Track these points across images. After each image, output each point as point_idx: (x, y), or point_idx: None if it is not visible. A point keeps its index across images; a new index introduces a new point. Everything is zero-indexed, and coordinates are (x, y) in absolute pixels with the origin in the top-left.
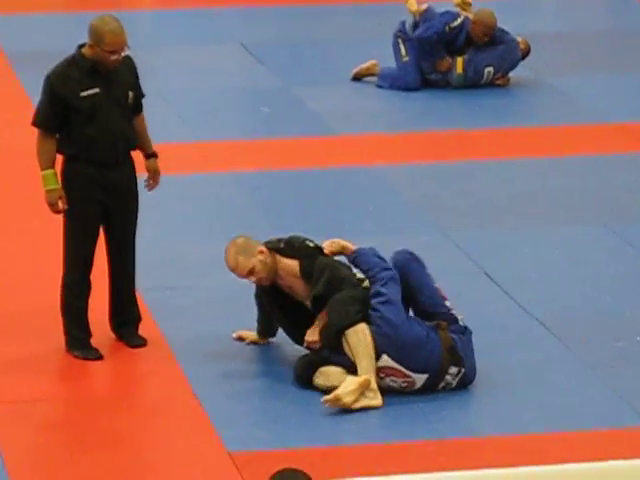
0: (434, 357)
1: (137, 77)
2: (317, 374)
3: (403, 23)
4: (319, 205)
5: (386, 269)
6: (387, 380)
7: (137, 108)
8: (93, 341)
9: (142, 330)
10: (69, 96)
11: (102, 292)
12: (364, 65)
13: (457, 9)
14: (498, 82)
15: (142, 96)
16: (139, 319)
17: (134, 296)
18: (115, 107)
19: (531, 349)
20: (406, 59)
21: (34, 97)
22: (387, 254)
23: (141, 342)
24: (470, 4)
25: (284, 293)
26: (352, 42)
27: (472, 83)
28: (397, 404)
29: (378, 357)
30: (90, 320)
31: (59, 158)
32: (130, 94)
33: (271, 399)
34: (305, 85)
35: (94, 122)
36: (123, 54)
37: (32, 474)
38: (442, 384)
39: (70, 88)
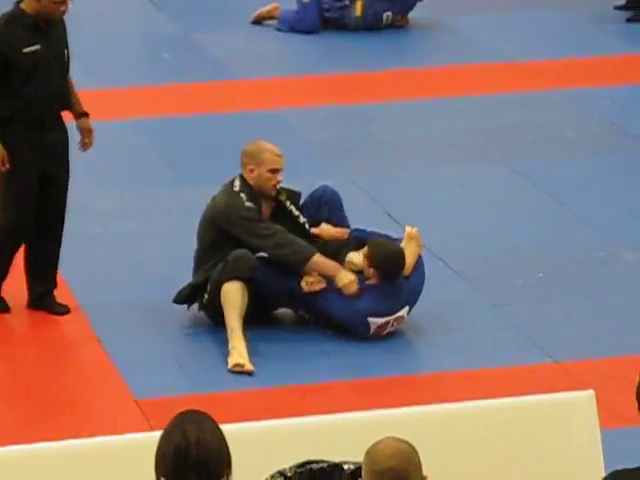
0: None
1: (67, 35)
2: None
3: None
4: (221, 150)
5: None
6: (391, 328)
7: (69, 67)
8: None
9: None
10: (12, 53)
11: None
12: (265, 8)
13: None
14: (397, 23)
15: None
16: (56, 286)
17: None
18: (55, 64)
19: (436, 290)
20: (306, 0)
21: None
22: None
23: (65, 309)
24: None
25: None
26: None
27: (371, 26)
28: (303, 347)
29: (401, 308)
30: None
31: None
32: (66, 52)
33: (177, 345)
34: (205, 30)
35: (33, 81)
36: (69, 4)
37: None
38: None
39: (13, 45)
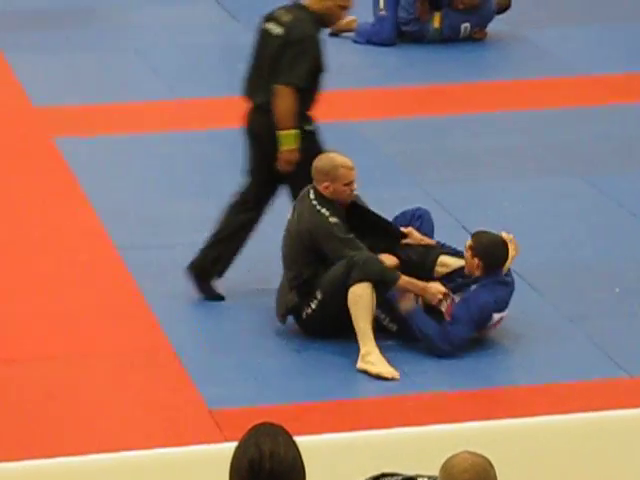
0: None
1: None
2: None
3: None
4: None
5: None
6: (495, 327)
7: None
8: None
9: (120, 289)
10: (322, 55)
11: None
12: (343, 20)
13: None
14: (475, 36)
15: None
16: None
17: None
18: None
19: (511, 302)
20: (383, 12)
21: None
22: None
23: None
24: None
25: None
26: None
27: (448, 38)
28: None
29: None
30: None
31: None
32: None
33: (251, 355)
34: None
35: (319, 78)
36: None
37: None
38: None
39: (322, 47)
